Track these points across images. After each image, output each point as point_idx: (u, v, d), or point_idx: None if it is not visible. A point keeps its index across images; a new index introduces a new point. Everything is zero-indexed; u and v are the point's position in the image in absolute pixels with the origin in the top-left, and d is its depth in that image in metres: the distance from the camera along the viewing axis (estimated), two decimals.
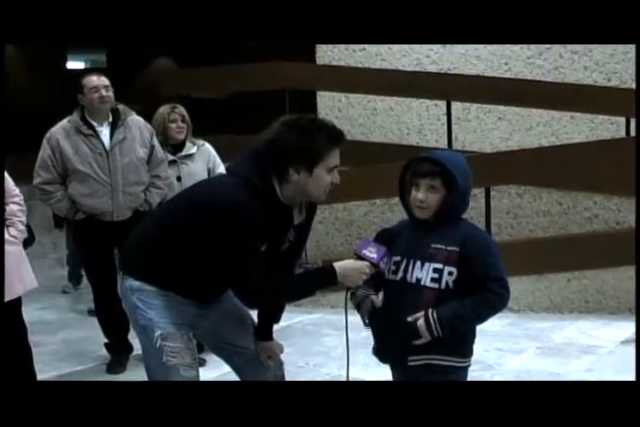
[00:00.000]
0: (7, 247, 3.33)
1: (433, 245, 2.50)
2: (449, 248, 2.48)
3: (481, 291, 2.45)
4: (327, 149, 2.50)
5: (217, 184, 2.69)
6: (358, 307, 2.59)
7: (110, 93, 4.41)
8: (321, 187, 2.53)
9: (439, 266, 2.48)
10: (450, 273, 2.47)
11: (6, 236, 3.35)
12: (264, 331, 2.89)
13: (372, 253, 2.49)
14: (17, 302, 3.48)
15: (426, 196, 2.50)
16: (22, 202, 3.55)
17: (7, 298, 3.34)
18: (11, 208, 3.43)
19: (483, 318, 2.51)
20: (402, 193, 2.60)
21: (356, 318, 2.56)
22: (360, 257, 2.50)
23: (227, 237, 2.43)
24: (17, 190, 3.56)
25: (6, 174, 3.50)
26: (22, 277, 3.47)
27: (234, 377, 2.98)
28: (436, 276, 2.48)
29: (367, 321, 2.59)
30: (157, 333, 2.59)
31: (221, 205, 2.45)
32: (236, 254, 2.45)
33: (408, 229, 2.60)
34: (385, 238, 2.56)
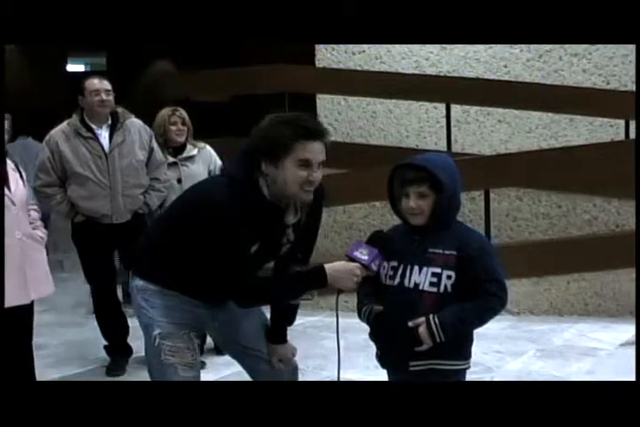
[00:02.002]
0: (38, 246, 3.51)
1: (430, 250, 2.49)
2: (446, 252, 2.47)
3: (480, 293, 2.44)
4: (292, 140, 2.41)
5: (205, 185, 2.70)
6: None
7: (111, 98, 4.42)
8: (292, 182, 2.44)
9: (437, 270, 2.47)
10: (448, 277, 2.46)
11: (36, 237, 3.51)
12: (277, 333, 2.85)
13: (363, 254, 2.46)
14: (30, 304, 3.50)
15: (417, 203, 2.48)
16: (37, 208, 3.70)
17: (35, 296, 3.46)
18: (33, 214, 3.59)
19: (483, 321, 2.50)
20: (392, 201, 2.58)
21: (355, 321, 2.56)
22: (351, 259, 2.47)
23: (212, 236, 2.43)
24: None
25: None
26: (49, 277, 3.62)
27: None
28: (435, 280, 2.46)
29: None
30: (156, 331, 2.60)
31: (206, 205, 2.46)
32: (221, 254, 2.44)
33: (403, 235, 2.57)
34: (378, 240, 2.52)
